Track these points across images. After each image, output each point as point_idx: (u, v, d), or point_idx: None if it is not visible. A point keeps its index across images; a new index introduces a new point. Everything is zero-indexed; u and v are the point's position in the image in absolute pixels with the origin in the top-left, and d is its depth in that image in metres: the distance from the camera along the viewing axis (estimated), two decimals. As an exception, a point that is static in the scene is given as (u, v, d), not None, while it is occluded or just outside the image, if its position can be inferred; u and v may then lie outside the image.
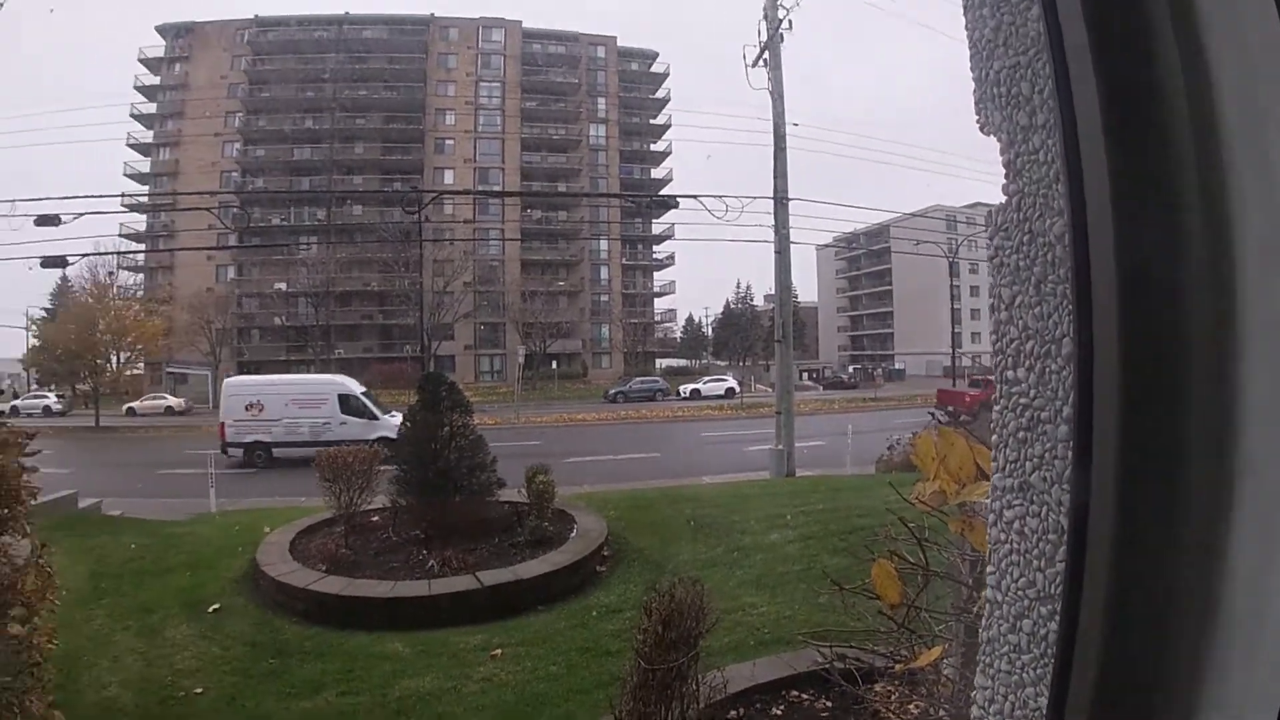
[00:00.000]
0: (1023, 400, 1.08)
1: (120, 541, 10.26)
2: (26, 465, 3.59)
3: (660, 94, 72.55)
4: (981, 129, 1.15)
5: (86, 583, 8.48)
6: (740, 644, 6.29)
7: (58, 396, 44.59)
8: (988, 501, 1.18)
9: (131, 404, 40.65)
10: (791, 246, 18.93)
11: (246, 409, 23.70)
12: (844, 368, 78.63)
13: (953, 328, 61.04)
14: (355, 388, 25.82)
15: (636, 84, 73.37)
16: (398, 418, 26.00)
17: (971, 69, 1.16)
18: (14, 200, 18.65)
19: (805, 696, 4.95)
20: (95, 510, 13.49)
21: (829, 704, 4.76)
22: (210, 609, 7.87)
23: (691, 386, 54.49)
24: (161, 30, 66.55)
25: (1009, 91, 1.09)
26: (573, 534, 9.70)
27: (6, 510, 3.20)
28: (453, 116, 67.17)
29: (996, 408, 1.12)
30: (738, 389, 52.80)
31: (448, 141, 66.83)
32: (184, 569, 9.13)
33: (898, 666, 3.17)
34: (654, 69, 74.31)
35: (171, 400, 46.92)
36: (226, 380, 26.71)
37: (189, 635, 7.26)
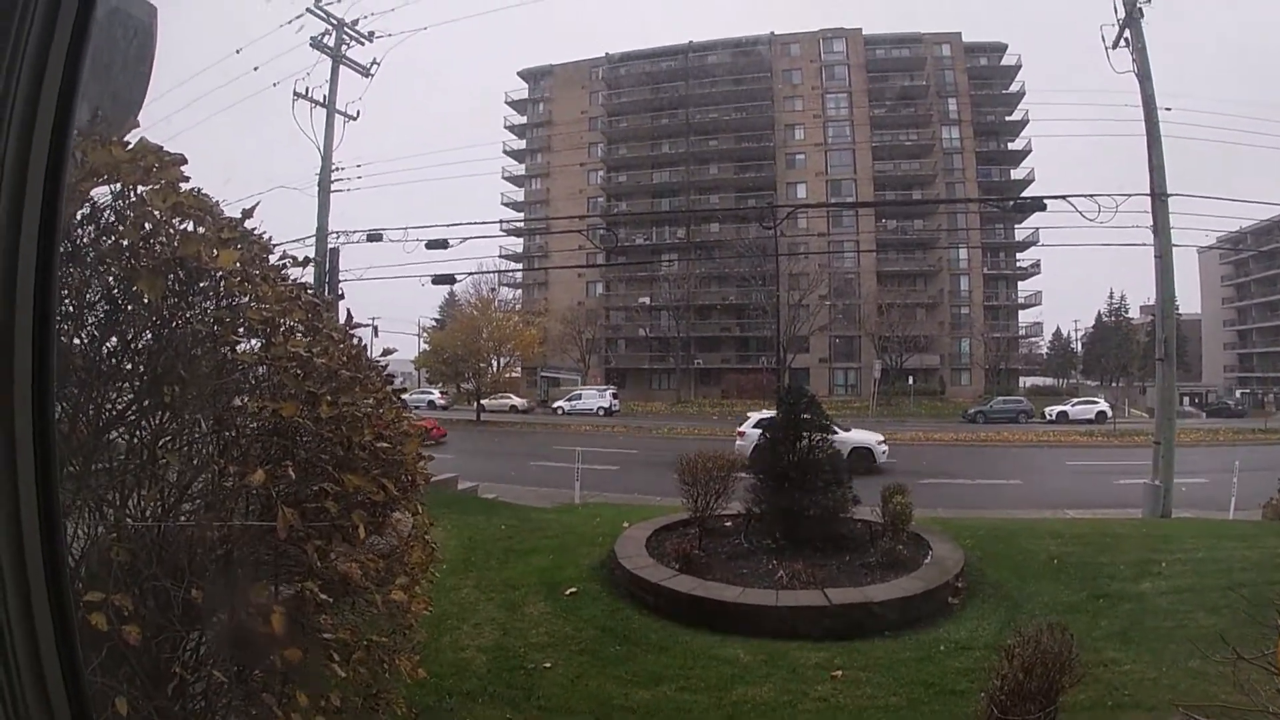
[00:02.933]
0: None
1: (492, 522, 11.35)
2: (423, 454, 4.09)
3: (1014, 88, 66.51)
4: None
5: (459, 555, 9.44)
6: (1096, 703, 5.55)
7: (440, 393, 51.67)
8: None
9: (483, 401, 45.69)
10: (1173, 249, 16.28)
11: None
12: (1229, 391, 66.03)
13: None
14: None
15: (987, 80, 67.80)
16: None
17: None
18: (407, 227, 22.00)
19: (1165, 774, 4.31)
20: (473, 493, 15.13)
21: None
22: (567, 591, 8.37)
23: (1058, 408, 49.29)
24: (523, 75, 75.48)
25: None
26: (927, 560, 9.10)
27: (401, 492, 3.65)
28: (801, 131, 67.28)
29: None
30: (1109, 413, 46.83)
31: (798, 156, 67.13)
32: (547, 552, 9.85)
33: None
34: (1004, 62, 68.27)
35: (515, 400, 52.60)
36: None
37: (545, 613, 7.81)
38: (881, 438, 24.99)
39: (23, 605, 0.91)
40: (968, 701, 5.67)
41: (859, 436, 23.79)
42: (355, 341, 3.82)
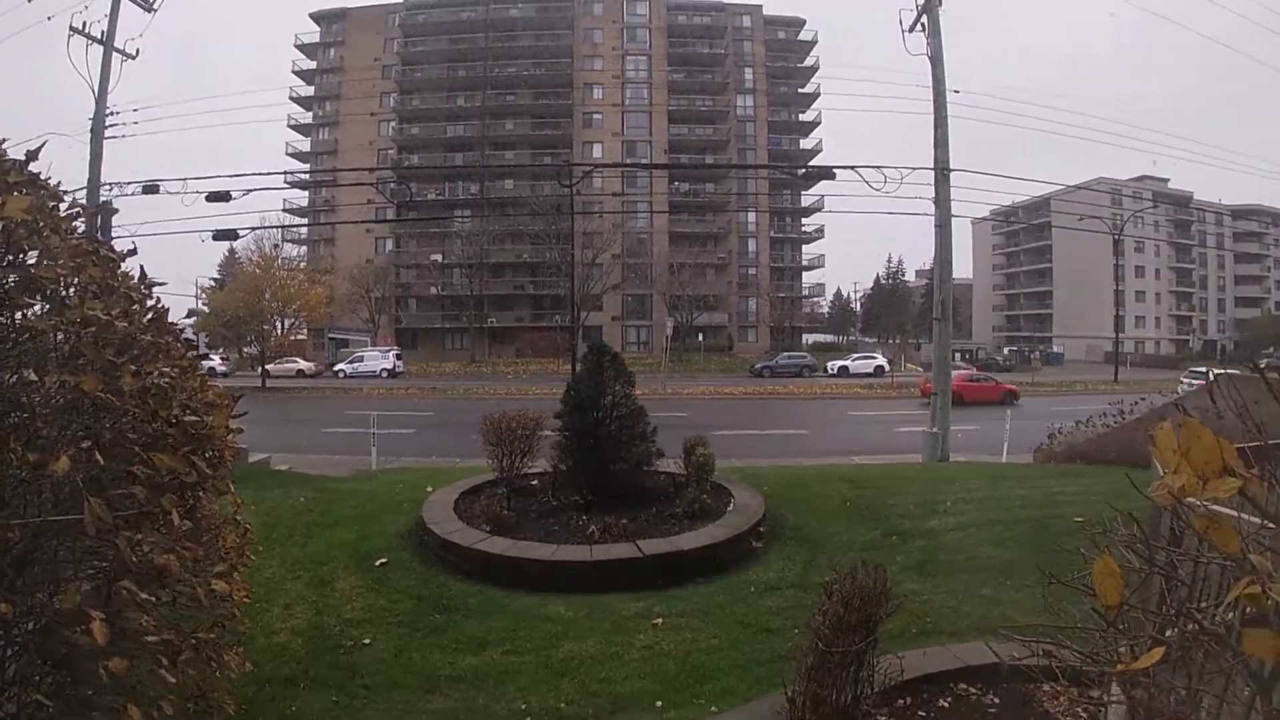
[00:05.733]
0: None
1: (290, 494, 10.61)
2: (232, 427, 3.70)
3: (809, 62, 70.66)
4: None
5: (259, 533, 8.72)
6: (903, 631, 5.95)
7: (221, 358, 48.05)
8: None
9: (268, 366, 43.23)
10: (951, 219, 17.62)
11: None
12: (998, 349, 74.43)
13: (1116, 310, 57.10)
14: None
15: (784, 53, 71.65)
16: None
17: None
18: (186, 178, 19.95)
19: (973, 690, 4.92)
20: (265, 465, 14.15)
21: (996, 700, 4.76)
22: (378, 562, 8.03)
23: (839, 363, 53.33)
24: (316, 17, 70.49)
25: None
26: (730, 508, 9.47)
27: (212, 469, 3.29)
28: (600, 91, 67.68)
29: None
30: (887, 367, 51.31)
31: (596, 116, 67.42)
32: (351, 523, 9.36)
33: (1118, 668, 2.85)
34: (801, 36, 72.42)
35: (302, 364, 50.18)
36: None
37: (357, 587, 7.45)
38: None
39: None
40: (783, 638, 6.01)
41: None
42: (155, 303, 3.37)
